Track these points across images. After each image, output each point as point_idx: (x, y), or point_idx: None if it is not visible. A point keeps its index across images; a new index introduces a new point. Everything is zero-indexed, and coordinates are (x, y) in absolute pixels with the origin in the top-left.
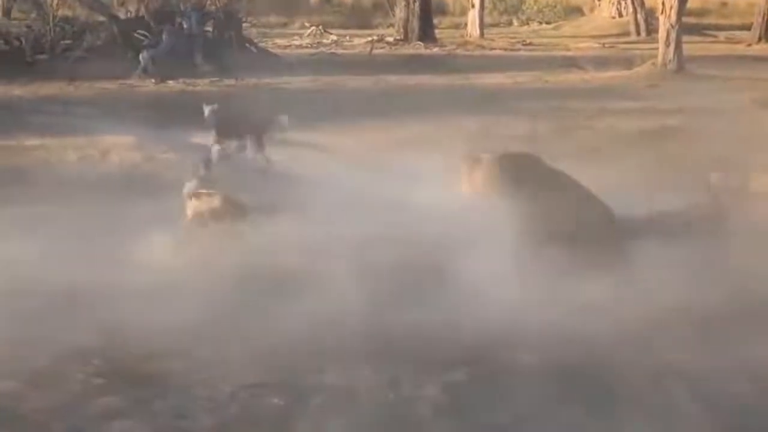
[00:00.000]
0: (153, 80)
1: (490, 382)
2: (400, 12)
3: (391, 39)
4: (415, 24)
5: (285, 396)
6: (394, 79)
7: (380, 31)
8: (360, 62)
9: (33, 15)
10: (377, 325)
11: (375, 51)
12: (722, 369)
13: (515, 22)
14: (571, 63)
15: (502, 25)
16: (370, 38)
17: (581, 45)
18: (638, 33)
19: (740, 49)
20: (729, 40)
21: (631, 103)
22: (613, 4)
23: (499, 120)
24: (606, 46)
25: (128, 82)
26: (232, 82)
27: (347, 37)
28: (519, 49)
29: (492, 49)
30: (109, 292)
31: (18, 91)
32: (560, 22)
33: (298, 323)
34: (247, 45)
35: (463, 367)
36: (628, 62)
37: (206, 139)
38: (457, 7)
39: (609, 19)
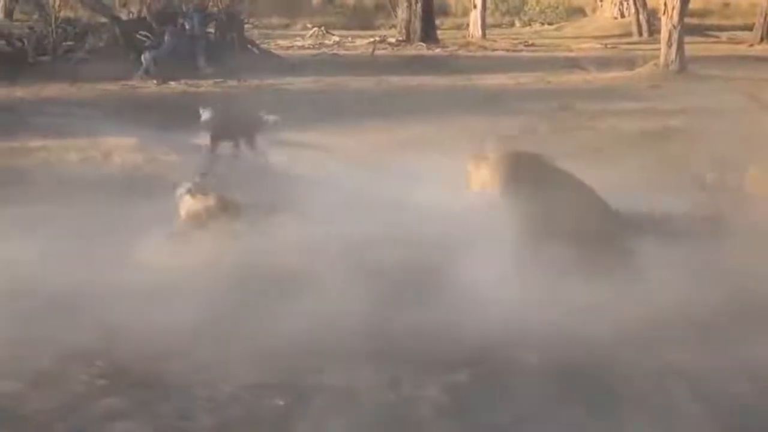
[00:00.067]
0: (155, 81)
1: (491, 383)
2: (402, 13)
3: (393, 40)
4: (417, 25)
5: (286, 396)
6: (396, 80)
7: (382, 32)
8: (362, 63)
9: (35, 16)
10: (378, 326)
11: (377, 52)
12: (722, 369)
13: (517, 23)
14: (574, 64)
15: (504, 25)
16: (372, 39)
17: (583, 46)
18: (640, 34)
19: (742, 49)
20: (731, 41)
21: (633, 103)
22: (615, 4)
23: (501, 120)
24: (608, 46)
25: (130, 83)
26: (234, 83)
27: (349, 38)
28: (521, 50)
29: (494, 50)
30: (108, 293)
31: (20, 92)
32: (562, 23)
33: (297, 323)
34: (249, 46)
35: (464, 368)
36: (630, 63)
37: (204, 140)
38: (459, 8)
39: (611, 20)
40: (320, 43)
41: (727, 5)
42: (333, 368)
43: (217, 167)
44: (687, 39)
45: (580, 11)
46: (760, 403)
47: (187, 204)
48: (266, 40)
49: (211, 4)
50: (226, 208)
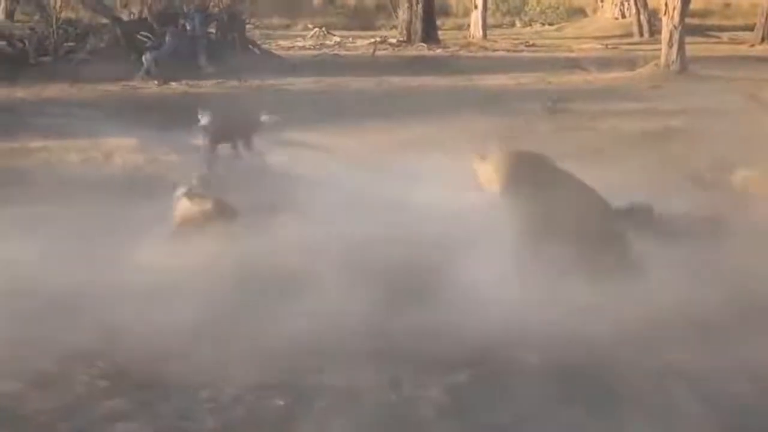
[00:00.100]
0: (156, 82)
1: (491, 383)
2: (403, 13)
3: (394, 40)
4: (418, 25)
5: (286, 397)
6: (397, 81)
7: (383, 32)
8: (363, 64)
9: (36, 17)
10: (378, 326)
11: (378, 52)
12: (722, 369)
13: (518, 24)
14: (574, 64)
15: (504, 26)
16: (373, 40)
17: (584, 46)
18: (641, 34)
19: (743, 49)
20: (732, 41)
21: (634, 104)
22: (615, 5)
23: (502, 121)
24: (609, 47)
25: (131, 84)
26: (235, 83)
27: (350, 39)
28: (522, 51)
29: (495, 50)
30: (108, 293)
31: (21, 93)
32: (563, 24)
33: (297, 324)
34: (251, 46)
35: (465, 368)
36: (631, 63)
37: (203, 141)
38: (460, 9)
39: (612, 21)
40: (321, 44)
41: (728, 5)
42: (334, 368)
43: (216, 168)
44: (688, 39)
45: (580, 12)
46: (760, 403)
47: (184, 207)
48: (267, 41)
49: (212, 4)
50: (223, 212)
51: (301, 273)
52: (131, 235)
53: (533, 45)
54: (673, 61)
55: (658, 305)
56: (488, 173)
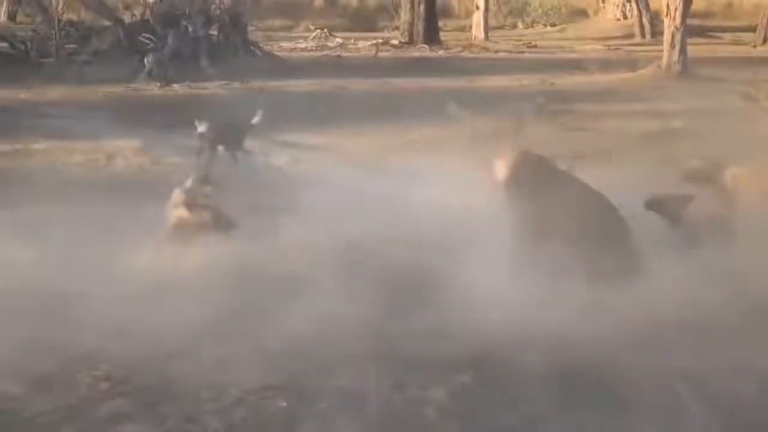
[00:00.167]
0: (158, 84)
1: (494, 384)
2: (404, 15)
3: (396, 42)
4: (419, 27)
5: (291, 399)
6: (399, 82)
7: (385, 34)
8: (365, 65)
9: (38, 19)
10: (381, 327)
11: (380, 54)
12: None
13: (520, 25)
14: (576, 65)
15: (506, 27)
16: (374, 41)
17: (586, 47)
18: (643, 35)
19: (745, 50)
20: (734, 42)
21: (635, 105)
22: (617, 6)
23: (504, 122)
24: (611, 48)
25: (133, 85)
26: (237, 85)
27: (352, 40)
28: (524, 52)
29: (497, 51)
30: (109, 294)
31: (24, 94)
32: (565, 25)
33: (296, 324)
34: (252, 48)
35: (468, 369)
36: (633, 64)
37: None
38: (461, 10)
39: (614, 22)
40: (323, 45)
41: (729, 6)
42: (335, 369)
43: (215, 168)
44: (689, 40)
45: (582, 13)
46: (761, 403)
47: (180, 214)
48: (269, 42)
49: (213, 6)
50: (219, 223)
51: (302, 274)
52: (133, 236)
53: (535, 46)
54: (675, 62)
55: (658, 305)
56: (489, 177)
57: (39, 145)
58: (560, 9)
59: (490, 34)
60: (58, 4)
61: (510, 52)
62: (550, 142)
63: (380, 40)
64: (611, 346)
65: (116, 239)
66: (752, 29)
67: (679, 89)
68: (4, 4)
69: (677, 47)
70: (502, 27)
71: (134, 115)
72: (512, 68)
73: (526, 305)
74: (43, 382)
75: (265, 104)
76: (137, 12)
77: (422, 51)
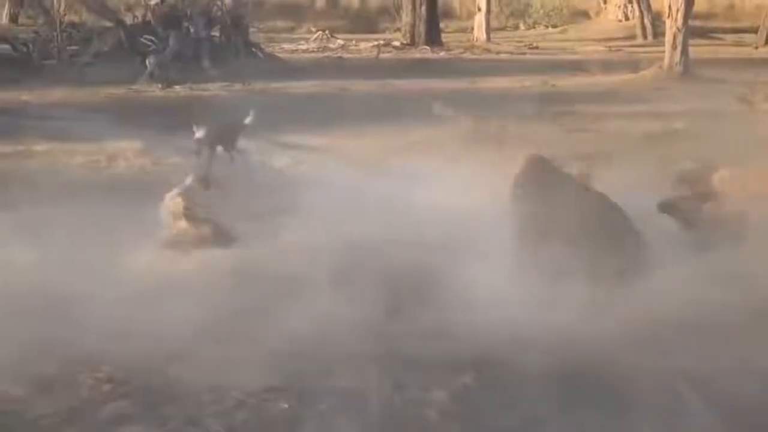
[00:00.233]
0: (160, 85)
1: (496, 385)
2: (406, 16)
3: (397, 43)
4: (421, 28)
5: (291, 400)
6: (400, 83)
7: (387, 35)
8: (367, 66)
9: (40, 21)
10: (382, 328)
11: (381, 55)
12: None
13: (522, 26)
14: (578, 66)
15: (508, 28)
16: (376, 42)
17: (587, 48)
18: (644, 36)
19: (747, 51)
20: (736, 43)
21: (637, 106)
22: (619, 7)
23: (506, 123)
24: (612, 49)
25: (135, 87)
26: (239, 86)
27: (354, 42)
28: (525, 53)
29: (498, 53)
30: (111, 296)
31: (25, 96)
32: (566, 26)
33: (297, 324)
34: (254, 50)
35: (470, 370)
36: (635, 65)
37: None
38: (463, 11)
39: (615, 23)
40: (324, 47)
41: (731, 7)
42: (335, 370)
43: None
44: (691, 41)
45: (584, 14)
46: (761, 403)
47: (180, 226)
48: (271, 44)
49: (215, 7)
50: (218, 238)
51: (303, 274)
52: (135, 237)
53: (537, 47)
54: (676, 64)
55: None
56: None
57: (40, 147)
58: (562, 10)
59: (491, 35)
60: (59, 6)
61: (511, 53)
62: (551, 143)
63: (382, 42)
64: (612, 347)
65: (117, 240)
66: (754, 30)
67: (680, 90)
68: (6, 6)
69: (679, 48)
70: (503, 28)
71: (135, 117)
72: (514, 69)
73: (527, 305)
74: (45, 383)
75: (267, 106)
76: (139, 13)
77: (424, 52)
